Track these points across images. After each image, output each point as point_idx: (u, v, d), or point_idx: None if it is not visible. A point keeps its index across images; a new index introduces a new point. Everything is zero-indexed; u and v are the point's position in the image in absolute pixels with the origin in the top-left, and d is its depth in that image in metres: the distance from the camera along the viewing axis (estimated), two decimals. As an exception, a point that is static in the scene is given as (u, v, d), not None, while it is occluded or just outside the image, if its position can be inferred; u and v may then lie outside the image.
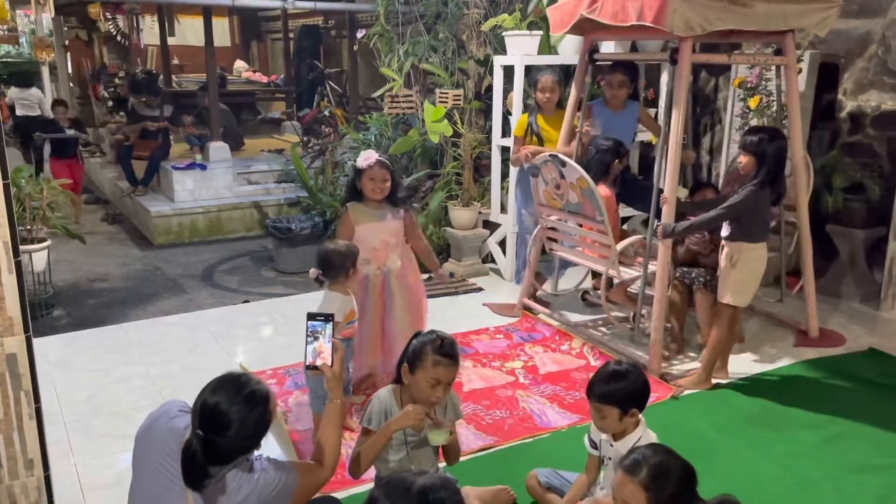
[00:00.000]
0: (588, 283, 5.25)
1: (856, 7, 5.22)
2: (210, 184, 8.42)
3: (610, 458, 2.58)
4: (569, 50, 5.51)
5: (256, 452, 2.04)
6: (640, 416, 2.55)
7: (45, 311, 5.55)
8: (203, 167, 8.48)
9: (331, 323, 2.27)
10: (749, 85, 5.10)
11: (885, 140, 5.19)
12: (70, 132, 8.43)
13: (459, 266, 5.84)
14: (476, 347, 4.46)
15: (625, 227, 5.08)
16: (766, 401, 3.76)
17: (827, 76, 5.35)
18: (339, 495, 2.66)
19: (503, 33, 5.52)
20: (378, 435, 2.44)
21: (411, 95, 6.31)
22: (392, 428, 2.42)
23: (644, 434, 2.51)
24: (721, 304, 3.83)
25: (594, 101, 4.92)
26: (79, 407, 3.73)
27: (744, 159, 3.72)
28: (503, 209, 5.74)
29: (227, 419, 1.91)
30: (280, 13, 13.17)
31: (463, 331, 4.62)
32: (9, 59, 15.10)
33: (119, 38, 13.44)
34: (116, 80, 12.46)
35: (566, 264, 4.88)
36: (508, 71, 5.44)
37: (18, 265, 2.24)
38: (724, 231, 3.81)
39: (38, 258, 5.52)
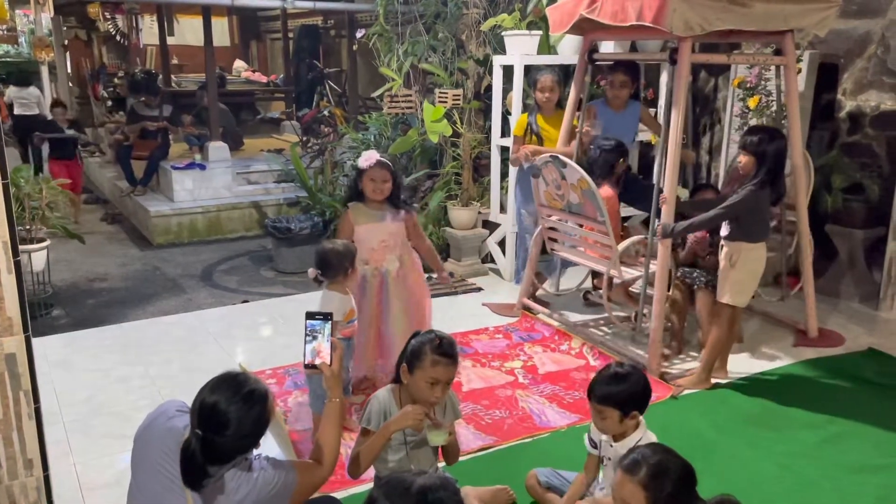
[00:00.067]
0: (589, 283, 5.25)
1: (855, 7, 5.22)
2: (209, 184, 8.42)
3: (609, 459, 2.58)
4: (568, 50, 5.51)
5: (255, 452, 2.04)
6: (641, 417, 2.55)
7: (45, 310, 5.55)
8: (202, 167, 8.48)
9: (329, 322, 2.27)
10: (748, 85, 5.10)
11: (885, 140, 5.19)
12: (69, 132, 8.41)
13: (459, 266, 5.84)
14: (475, 347, 4.46)
15: (626, 224, 5.08)
16: (765, 401, 3.76)
17: (826, 76, 5.36)
18: (338, 495, 2.66)
19: (502, 33, 5.52)
20: (377, 435, 2.44)
21: (410, 95, 6.31)
22: (391, 428, 2.42)
23: (644, 435, 2.51)
24: (720, 304, 3.84)
25: (596, 100, 4.93)
26: (78, 407, 3.73)
27: (743, 159, 3.72)
28: (502, 209, 5.74)
29: (226, 418, 1.91)
30: (279, 13, 13.17)
31: (462, 330, 4.62)
32: (8, 59, 15.10)
33: (118, 37, 13.43)
34: (116, 80, 12.46)
35: (567, 264, 4.88)
36: (508, 71, 5.45)
37: (18, 265, 2.24)
38: (724, 231, 3.81)
39: (38, 258, 5.51)
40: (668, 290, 4.24)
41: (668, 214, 3.91)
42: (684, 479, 1.95)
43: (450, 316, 4.87)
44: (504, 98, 5.53)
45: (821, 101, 5.42)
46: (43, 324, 5.25)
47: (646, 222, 5.26)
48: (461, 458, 2.79)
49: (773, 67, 4.56)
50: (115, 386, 3.97)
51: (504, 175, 5.67)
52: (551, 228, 4.62)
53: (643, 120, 4.98)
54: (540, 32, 5.44)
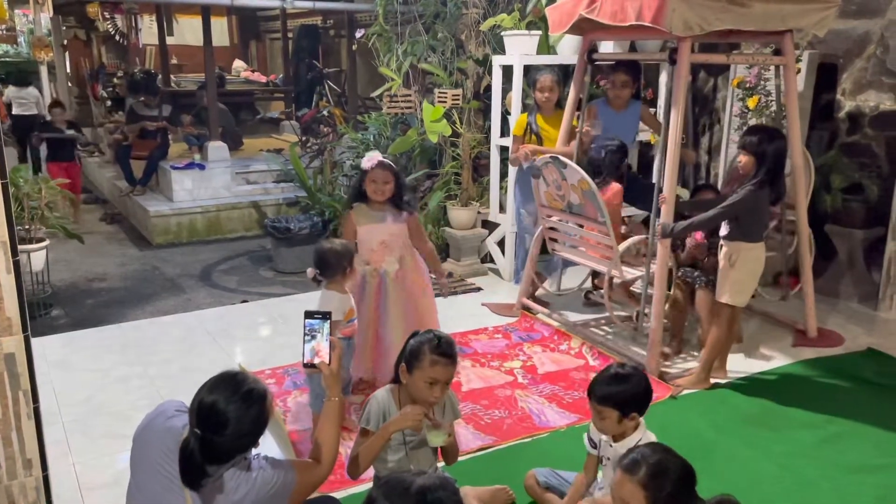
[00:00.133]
0: (590, 283, 5.25)
1: (854, 7, 5.22)
2: (209, 183, 8.42)
3: (609, 459, 2.57)
4: (567, 50, 5.51)
5: (254, 451, 2.04)
6: (641, 418, 2.55)
7: (44, 310, 5.54)
8: (202, 167, 8.47)
9: (328, 321, 2.27)
10: (748, 85, 5.10)
11: (884, 140, 5.19)
12: (69, 132, 8.38)
13: (458, 266, 5.84)
14: (475, 347, 4.46)
15: (630, 217, 5.10)
16: (764, 400, 3.77)
17: (825, 76, 5.36)
18: (337, 495, 2.66)
19: (502, 33, 5.52)
20: (377, 436, 2.44)
21: (410, 95, 6.31)
22: (391, 429, 2.43)
23: (644, 436, 2.51)
24: (719, 304, 3.84)
25: (597, 100, 4.93)
26: (77, 407, 3.73)
27: (743, 159, 3.72)
28: (502, 209, 5.74)
29: (225, 418, 1.91)
30: (279, 13, 13.16)
31: (462, 330, 4.62)
32: (7, 59, 15.09)
33: (117, 37, 13.41)
34: (115, 80, 12.44)
35: (568, 264, 4.88)
36: (507, 71, 5.45)
37: (17, 265, 2.24)
38: (723, 230, 3.81)
39: (37, 258, 5.51)
40: (670, 290, 4.25)
41: (667, 214, 3.91)
42: (684, 479, 1.95)
43: (449, 316, 4.86)
44: (503, 98, 5.53)
45: (820, 101, 5.43)
46: (42, 324, 5.24)
47: (645, 222, 5.26)
48: (460, 458, 2.79)
49: (772, 67, 4.56)
50: (115, 386, 3.97)
51: (503, 175, 5.67)
52: (552, 229, 4.62)
53: (644, 119, 4.98)
54: (539, 32, 5.44)
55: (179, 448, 1.92)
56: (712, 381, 3.92)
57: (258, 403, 1.97)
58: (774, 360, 4.27)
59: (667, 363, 4.19)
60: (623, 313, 4.73)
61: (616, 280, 4.38)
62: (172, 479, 1.93)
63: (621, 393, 2.47)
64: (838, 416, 3.60)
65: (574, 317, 4.89)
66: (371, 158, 3.58)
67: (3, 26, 14.65)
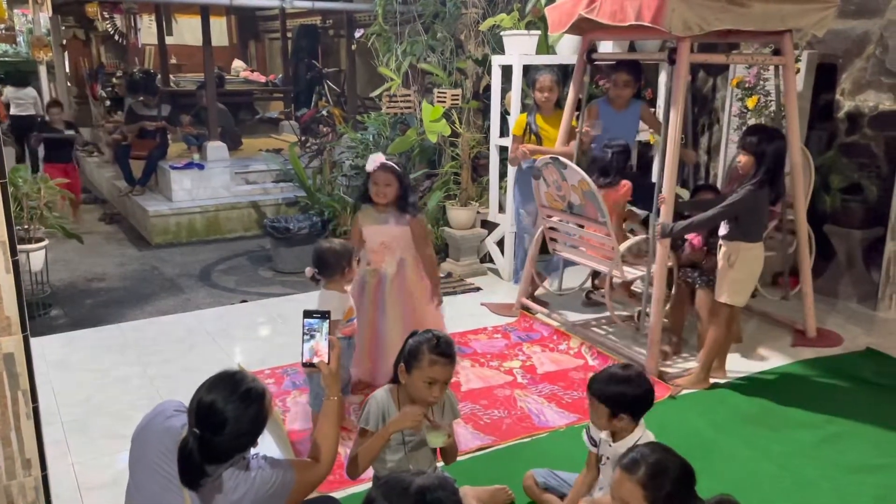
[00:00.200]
0: (590, 283, 5.25)
1: (853, 7, 5.22)
2: (208, 183, 8.41)
3: (608, 458, 2.57)
4: (567, 50, 5.51)
5: (253, 451, 2.04)
6: (641, 420, 2.55)
7: (43, 310, 5.54)
8: (201, 167, 8.47)
9: (327, 320, 2.26)
10: (747, 85, 5.10)
11: (883, 140, 5.19)
12: (68, 132, 8.35)
13: (457, 266, 5.84)
14: (474, 347, 4.46)
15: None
16: (763, 400, 3.77)
17: (825, 76, 5.36)
18: (337, 495, 2.66)
19: (501, 33, 5.52)
20: (376, 437, 2.44)
21: (409, 95, 6.31)
22: (390, 430, 2.43)
23: (643, 435, 2.51)
24: (718, 304, 3.84)
25: (598, 99, 4.93)
26: (76, 407, 3.73)
27: (743, 159, 3.72)
28: (501, 209, 5.74)
29: (223, 417, 1.90)
30: (278, 13, 13.15)
31: (461, 330, 4.62)
32: (6, 59, 15.08)
33: (117, 37, 13.41)
34: (114, 80, 12.43)
35: (567, 263, 4.88)
36: (507, 70, 5.45)
37: (16, 264, 2.24)
38: (722, 230, 3.81)
39: (36, 258, 5.50)
40: (671, 290, 4.25)
41: (666, 214, 3.91)
42: (683, 479, 1.95)
43: (448, 316, 4.82)
44: (503, 98, 5.53)
45: (819, 101, 5.43)
46: (41, 323, 5.24)
47: (645, 222, 5.27)
48: (460, 458, 2.79)
49: (771, 67, 4.56)
50: (114, 386, 3.97)
51: (503, 175, 5.67)
52: (552, 229, 4.62)
53: (645, 119, 4.98)
54: (538, 32, 5.44)
55: (178, 448, 1.92)
56: (711, 380, 3.92)
57: (257, 403, 1.96)
58: (773, 359, 4.27)
59: (667, 363, 4.19)
60: (624, 313, 4.73)
61: (616, 280, 4.38)
62: (171, 478, 1.93)
63: (615, 392, 2.48)
64: (837, 415, 3.61)
65: (573, 317, 4.89)
66: (374, 161, 3.58)
67: (3, 26, 14.66)
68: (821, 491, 3.01)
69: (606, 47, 5.50)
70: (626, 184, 4.37)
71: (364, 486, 2.78)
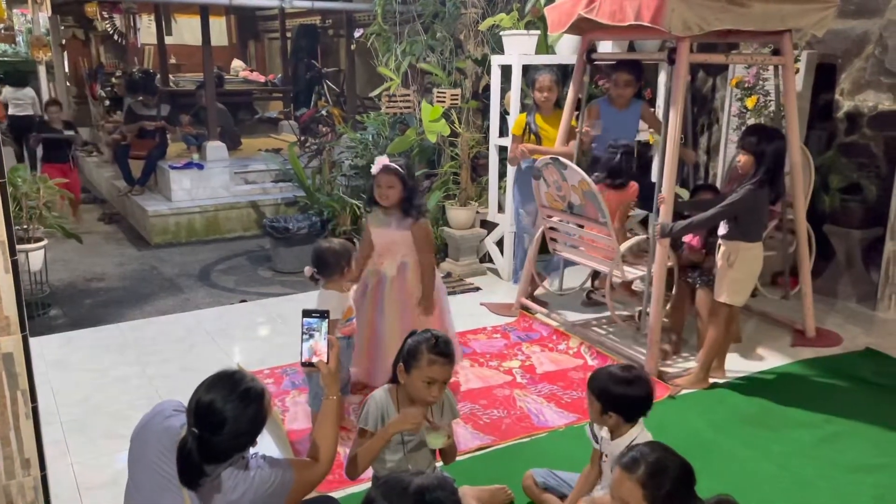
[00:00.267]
0: (590, 283, 5.25)
1: (853, 7, 5.22)
2: (207, 183, 8.40)
3: (608, 456, 2.57)
4: (566, 49, 5.51)
5: (252, 450, 2.04)
6: (640, 420, 2.55)
7: (42, 310, 5.54)
8: (200, 167, 8.46)
9: (326, 320, 2.26)
10: (746, 85, 5.10)
11: (882, 140, 5.20)
12: (67, 132, 8.34)
13: (457, 266, 5.84)
14: (473, 347, 4.45)
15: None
16: (762, 400, 3.77)
17: (824, 76, 5.36)
18: (336, 495, 2.66)
19: (501, 33, 5.52)
20: (376, 438, 2.44)
21: (409, 95, 6.30)
22: (389, 431, 2.43)
23: (640, 434, 2.51)
24: (717, 304, 3.84)
25: (598, 99, 4.93)
26: (75, 407, 3.73)
27: (742, 158, 3.72)
28: (500, 209, 5.74)
29: (222, 417, 1.90)
30: (277, 12, 13.14)
31: (460, 330, 4.61)
32: (5, 59, 15.07)
33: (116, 37, 13.39)
34: (113, 80, 12.40)
35: (567, 263, 4.88)
36: (506, 70, 5.44)
37: (15, 264, 2.24)
38: (722, 230, 3.81)
39: (35, 257, 5.50)
40: (670, 290, 4.25)
41: (666, 214, 3.91)
42: (683, 478, 1.95)
43: (448, 316, 4.87)
44: (502, 98, 5.53)
45: (819, 101, 5.43)
46: (40, 323, 5.23)
47: (644, 221, 5.27)
48: (459, 458, 2.79)
49: (771, 67, 4.56)
50: (113, 386, 3.96)
51: (502, 175, 5.67)
52: (552, 229, 4.62)
53: (645, 118, 4.98)
54: (538, 32, 5.44)
55: (177, 447, 1.92)
56: (711, 380, 3.92)
57: (255, 402, 1.96)
58: (773, 359, 4.27)
59: (666, 362, 4.19)
60: (625, 312, 4.73)
61: (616, 280, 4.38)
62: (170, 478, 1.93)
63: (608, 389, 2.49)
64: (837, 415, 3.61)
65: (573, 316, 4.89)
66: (377, 163, 3.58)
67: (2, 25, 14.64)
68: (820, 490, 3.01)
69: (606, 47, 5.50)
70: (634, 185, 4.37)
71: (363, 486, 2.78)
